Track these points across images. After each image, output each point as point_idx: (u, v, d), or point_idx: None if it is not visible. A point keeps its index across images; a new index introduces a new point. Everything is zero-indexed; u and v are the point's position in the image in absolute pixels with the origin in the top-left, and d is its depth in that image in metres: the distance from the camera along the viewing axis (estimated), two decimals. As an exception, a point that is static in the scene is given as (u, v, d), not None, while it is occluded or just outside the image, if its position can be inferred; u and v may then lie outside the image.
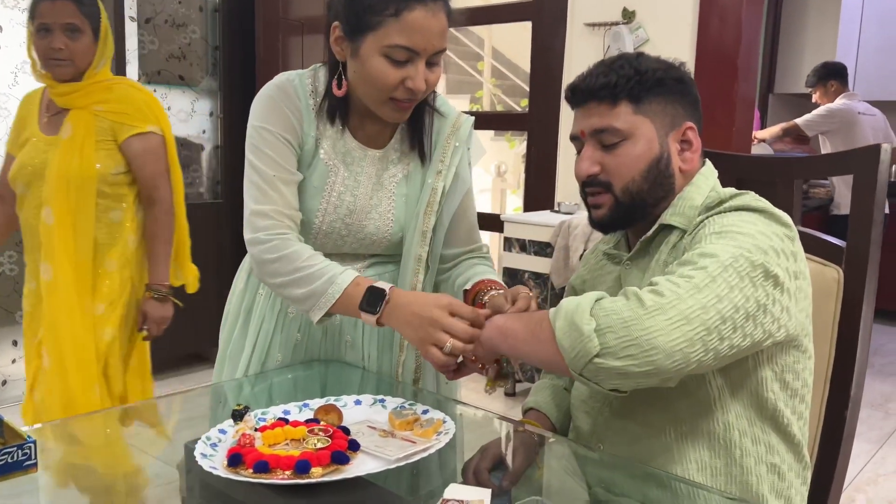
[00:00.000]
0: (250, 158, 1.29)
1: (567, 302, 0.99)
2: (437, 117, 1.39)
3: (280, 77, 1.33)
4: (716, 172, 1.20)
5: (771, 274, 0.99)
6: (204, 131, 3.80)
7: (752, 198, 1.10)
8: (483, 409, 1.30)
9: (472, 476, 1.04)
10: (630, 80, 1.11)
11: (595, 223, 1.19)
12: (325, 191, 1.32)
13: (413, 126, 1.36)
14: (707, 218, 1.08)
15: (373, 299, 1.15)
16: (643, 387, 0.97)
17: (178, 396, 1.40)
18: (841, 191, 4.36)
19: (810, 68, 4.94)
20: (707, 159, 1.22)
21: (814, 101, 4.46)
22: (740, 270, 0.97)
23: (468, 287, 1.33)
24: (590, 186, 1.16)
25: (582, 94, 1.15)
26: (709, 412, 1.09)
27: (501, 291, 1.24)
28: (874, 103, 4.37)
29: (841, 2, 4.79)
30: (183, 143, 3.67)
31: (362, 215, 1.35)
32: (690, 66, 3.16)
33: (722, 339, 0.94)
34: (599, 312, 0.95)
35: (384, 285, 1.17)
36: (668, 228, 1.14)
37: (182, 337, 3.05)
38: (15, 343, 3.17)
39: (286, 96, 1.30)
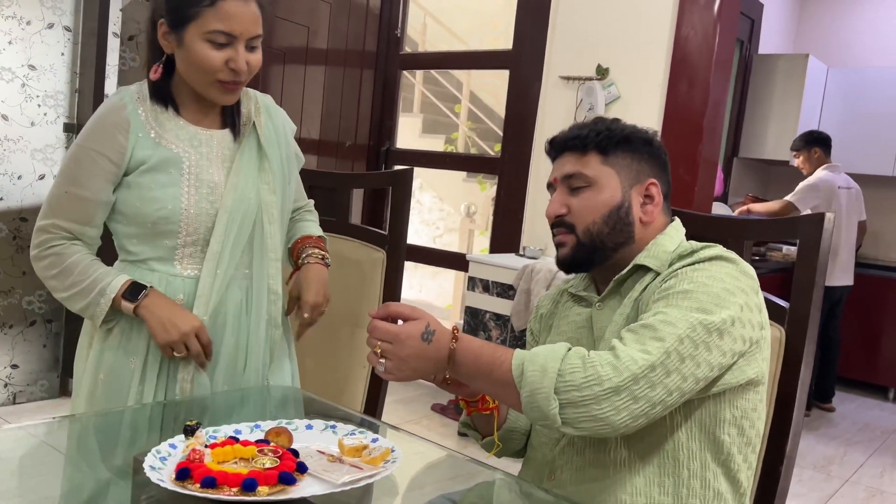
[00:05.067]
0: (56, 176, 1.40)
1: (531, 371, 1.03)
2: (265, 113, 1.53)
3: (113, 94, 1.44)
4: (683, 229, 1.27)
5: (727, 332, 1.06)
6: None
7: (721, 249, 1.16)
8: (439, 444, 1.32)
9: None
10: (600, 133, 1.22)
11: (559, 262, 1.26)
12: (183, 174, 1.40)
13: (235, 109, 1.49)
14: (680, 267, 1.14)
15: (134, 290, 1.36)
16: None
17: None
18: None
19: (774, 136, 5.12)
20: (676, 217, 1.30)
21: (796, 165, 4.55)
22: (695, 339, 1.04)
23: (290, 245, 1.61)
24: (556, 227, 1.25)
25: (558, 145, 1.26)
26: (663, 446, 1.13)
27: (314, 252, 1.56)
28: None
29: (806, 74, 5.00)
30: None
31: (221, 191, 1.44)
32: (658, 125, 3.30)
33: (666, 407, 1.04)
34: (561, 387, 1.01)
35: (146, 284, 1.38)
36: (643, 270, 1.21)
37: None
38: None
39: (112, 109, 1.39)
